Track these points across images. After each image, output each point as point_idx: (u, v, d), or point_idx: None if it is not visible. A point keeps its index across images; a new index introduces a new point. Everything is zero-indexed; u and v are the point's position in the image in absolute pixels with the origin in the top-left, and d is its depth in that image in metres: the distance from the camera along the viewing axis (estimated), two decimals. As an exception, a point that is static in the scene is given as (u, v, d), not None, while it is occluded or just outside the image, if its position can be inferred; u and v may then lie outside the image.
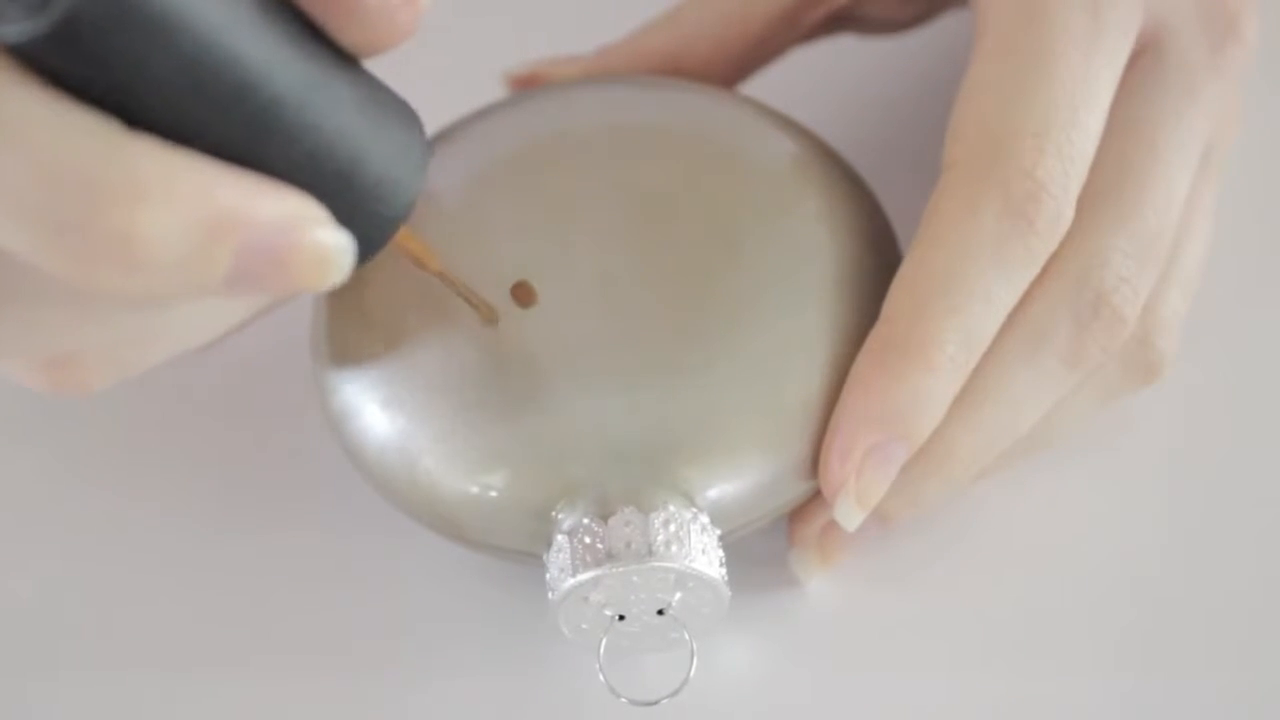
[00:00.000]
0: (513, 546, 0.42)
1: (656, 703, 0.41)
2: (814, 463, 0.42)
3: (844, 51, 0.53)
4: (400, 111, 0.36)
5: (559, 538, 0.40)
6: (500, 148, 0.44)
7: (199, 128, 0.31)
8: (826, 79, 0.54)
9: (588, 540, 0.40)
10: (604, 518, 0.40)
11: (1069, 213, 0.42)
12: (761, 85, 0.50)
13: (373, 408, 0.42)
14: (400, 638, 0.45)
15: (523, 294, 0.42)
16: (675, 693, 0.41)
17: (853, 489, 0.41)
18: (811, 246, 0.43)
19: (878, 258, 0.44)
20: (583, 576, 0.40)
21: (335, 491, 0.46)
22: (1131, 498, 0.47)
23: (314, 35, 0.34)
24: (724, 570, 0.41)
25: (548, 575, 0.41)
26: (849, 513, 0.41)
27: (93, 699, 0.44)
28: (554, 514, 0.41)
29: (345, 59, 0.34)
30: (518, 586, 0.45)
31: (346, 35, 0.34)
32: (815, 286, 0.42)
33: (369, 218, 0.35)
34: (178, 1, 0.31)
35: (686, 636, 0.41)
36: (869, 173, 0.46)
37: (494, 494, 0.41)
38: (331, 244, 0.33)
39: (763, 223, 0.43)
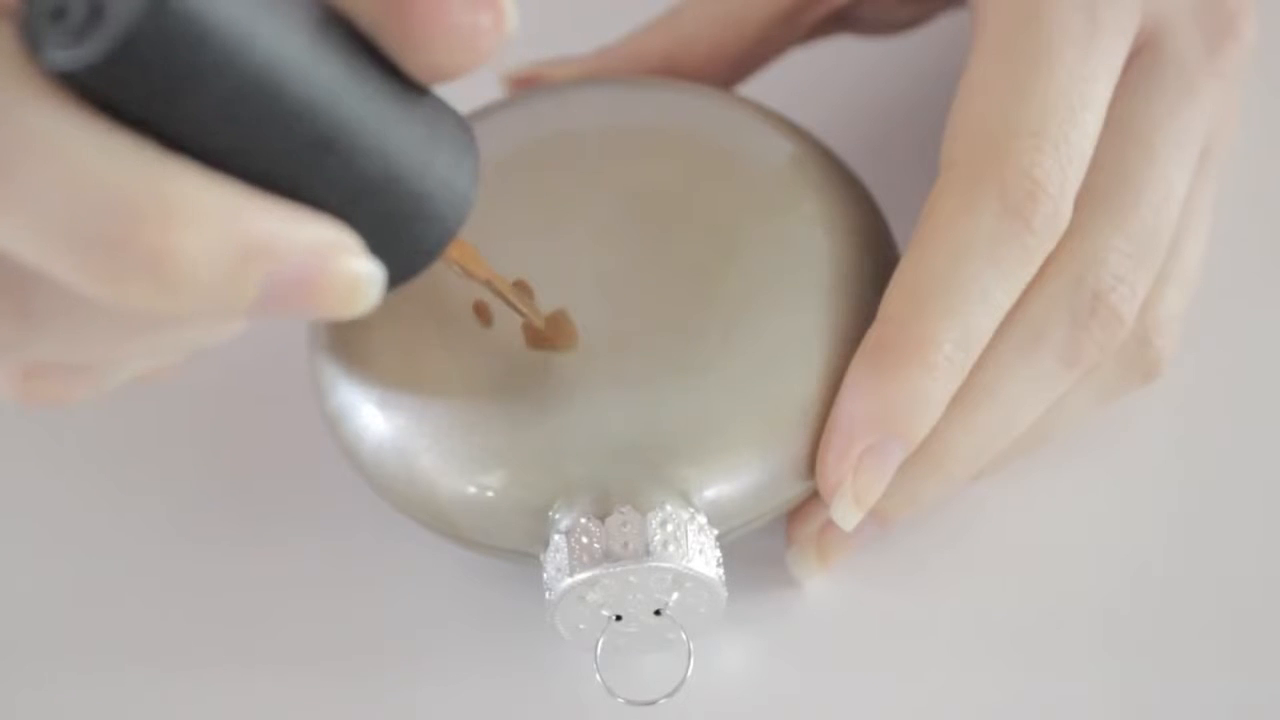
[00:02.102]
0: (510, 546, 0.42)
1: (654, 703, 0.41)
2: (811, 462, 0.42)
3: (842, 52, 0.53)
4: (454, 129, 0.35)
5: (556, 537, 0.40)
6: (498, 148, 0.44)
7: (240, 155, 0.31)
8: (824, 79, 0.54)
9: (585, 540, 0.40)
10: (601, 518, 0.40)
11: (1066, 212, 0.42)
12: (760, 86, 0.50)
13: (370, 407, 0.42)
14: (397, 637, 0.45)
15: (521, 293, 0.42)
16: (672, 693, 0.41)
17: (850, 489, 0.41)
18: (809, 247, 0.43)
19: (875, 258, 0.44)
20: (580, 576, 0.40)
21: (333, 491, 0.46)
22: (1131, 497, 0.47)
23: (371, 58, 0.33)
24: (721, 570, 0.41)
25: (545, 575, 0.41)
26: (846, 512, 0.41)
27: (91, 698, 0.44)
28: (551, 514, 0.41)
29: (403, 81, 0.33)
30: (515, 586, 0.45)
31: (419, 60, 0.33)
32: (812, 287, 0.42)
33: (417, 239, 0.35)
34: (224, 42, 0.30)
35: (684, 636, 0.41)
36: (866, 173, 0.46)
37: (491, 494, 0.41)
38: (361, 273, 0.32)
39: (760, 223, 0.43)
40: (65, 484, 0.48)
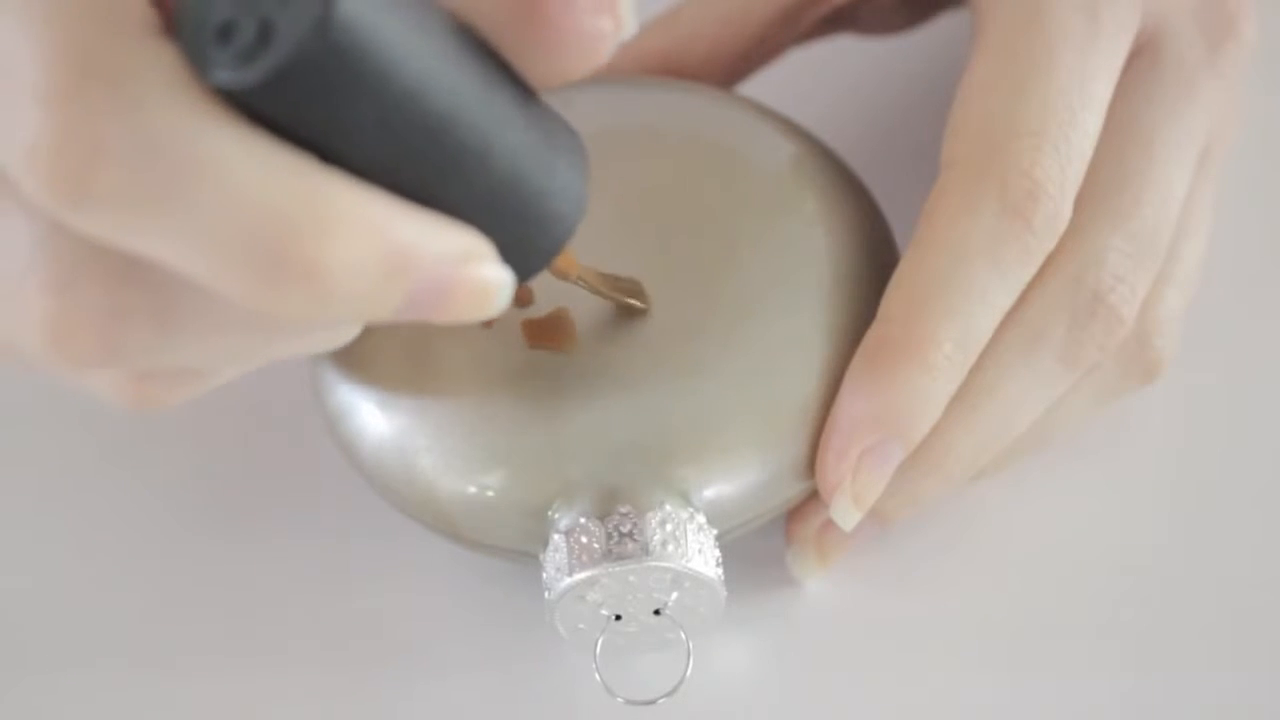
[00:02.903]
0: (509, 546, 0.42)
1: (653, 702, 0.41)
2: (811, 462, 0.42)
3: (842, 52, 0.53)
4: (569, 141, 0.35)
5: (555, 537, 0.40)
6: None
7: (389, 167, 0.32)
8: (824, 79, 0.54)
9: (584, 540, 0.40)
10: (601, 517, 0.40)
11: (1066, 212, 0.42)
12: (760, 85, 0.50)
13: (370, 407, 0.42)
14: (396, 637, 0.45)
15: (520, 294, 0.42)
16: (672, 692, 0.41)
17: (849, 489, 0.41)
18: (809, 247, 0.43)
19: (875, 258, 0.44)
20: (579, 576, 0.40)
21: (332, 490, 0.46)
22: (1131, 498, 0.47)
23: (500, 68, 0.33)
24: (720, 570, 0.41)
25: (544, 575, 0.41)
26: (846, 512, 0.41)
27: (91, 697, 0.44)
28: (550, 513, 0.41)
29: (525, 90, 0.34)
30: (514, 586, 0.45)
31: (542, 65, 0.34)
32: (812, 286, 0.42)
33: (533, 247, 0.35)
34: (383, 60, 0.31)
35: (683, 636, 0.41)
36: (866, 173, 0.46)
37: (491, 493, 0.41)
38: (493, 279, 0.33)
39: (760, 223, 0.43)
40: (65, 483, 0.48)
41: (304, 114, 0.31)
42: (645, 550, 0.39)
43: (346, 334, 0.37)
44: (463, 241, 0.33)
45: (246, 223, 0.31)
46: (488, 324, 0.42)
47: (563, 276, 0.40)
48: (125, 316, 0.33)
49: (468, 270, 0.33)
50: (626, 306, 0.41)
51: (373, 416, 0.42)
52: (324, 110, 0.31)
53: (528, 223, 0.34)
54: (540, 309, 0.42)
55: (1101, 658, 0.44)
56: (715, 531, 0.41)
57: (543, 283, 0.42)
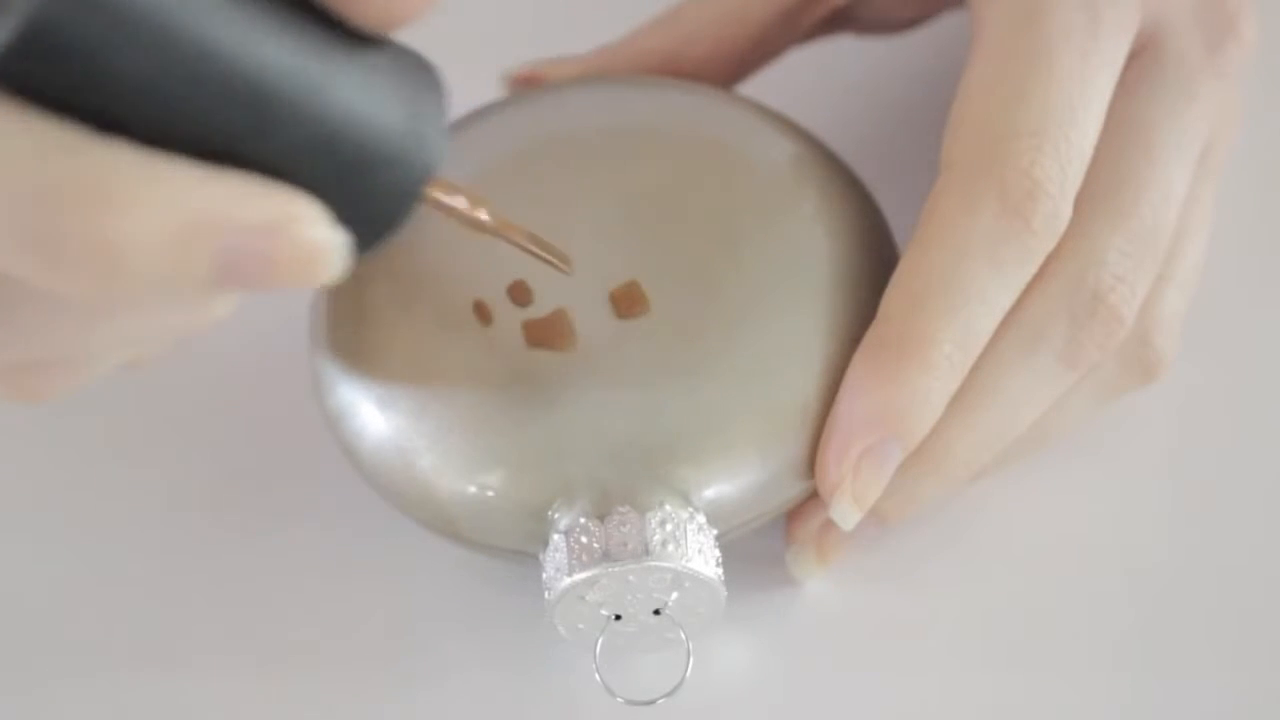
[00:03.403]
0: (509, 546, 0.42)
1: (653, 702, 0.41)
2: (811, 462, 0.42)
3: (842, 52, 0.53)
4: (414, 78, 0.34)
5: (555, 537, 0.40)
6: (498, 148, 0.45)
7: (180, 128, 0.30)
8: (825, 79, 0.54)
9: (584, 540, 0.40)
10: (600, 517, 0.40)
11: (1066, 212, 0.42)
12: (760, 85, 0.50)
13: (370, 406, 0.42)
14: (396, 637, 0.45)
15: (520, 294, 0.42)
16: (671, 692, 0.41)
17: (849, 489, 0.41)
18: (808, 246, 0.43)
19: (875, 257, 0.44)
20: (579, 576, 0.40)
21: (332, 490, 0.46)
22: (1131, 498, 0.47)
23: (299, 12, 0.32)
24: (720, 570, 0.41)
25: (544, 575, 0.41)
26: (846, 512, 0.41)
27: (90, 697, 0.45)
28: (550, 513, 0.41)
29: (348, 33, 0.32)
30: (514, 586, 0.45)
31: (354, 11, 0.32)
32: (812, 286, 0.42)
33: (387, 187, 0.33)
34: (141, 5, 0.29)
35: (683, 636, 0.41)
36: (867, 173, 0.46)
37: (491, 493, 0.41)
38: (321, 241, 0.32)
39: (760, 223, 0.43)
40: (65, 483, 0.48)
41: (66, 77, 0.29)
42: (645, 550, 0.40)
43: (211, 308, 0.35)
44: (277, 204, 0.31)
45: (22, 204, 0.29)
46: (486, 322, 0.42)
47: (479, 229, 0.38)
48: None
49: (288, 235, 0.31)
50: (548, 263, 0.40)
51: (373, 416, 0.42)
52: (86, 69, 0.29)
53: (363, 170, 0.33)
54: (540, 309, 0.42)
55: (1101, 657, 0.44)
56: (715, 531, 0.41)
57: (543, 283, 0.42)
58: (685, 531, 0.40)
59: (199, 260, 0.31)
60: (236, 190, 0.31)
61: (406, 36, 0.34)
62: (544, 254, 0.40)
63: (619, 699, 0.41)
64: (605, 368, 0.41)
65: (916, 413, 0.41)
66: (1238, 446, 0.48)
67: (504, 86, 0.49)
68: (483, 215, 0.37)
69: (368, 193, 0.33)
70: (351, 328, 0.43)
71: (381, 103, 0.33)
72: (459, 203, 0.37)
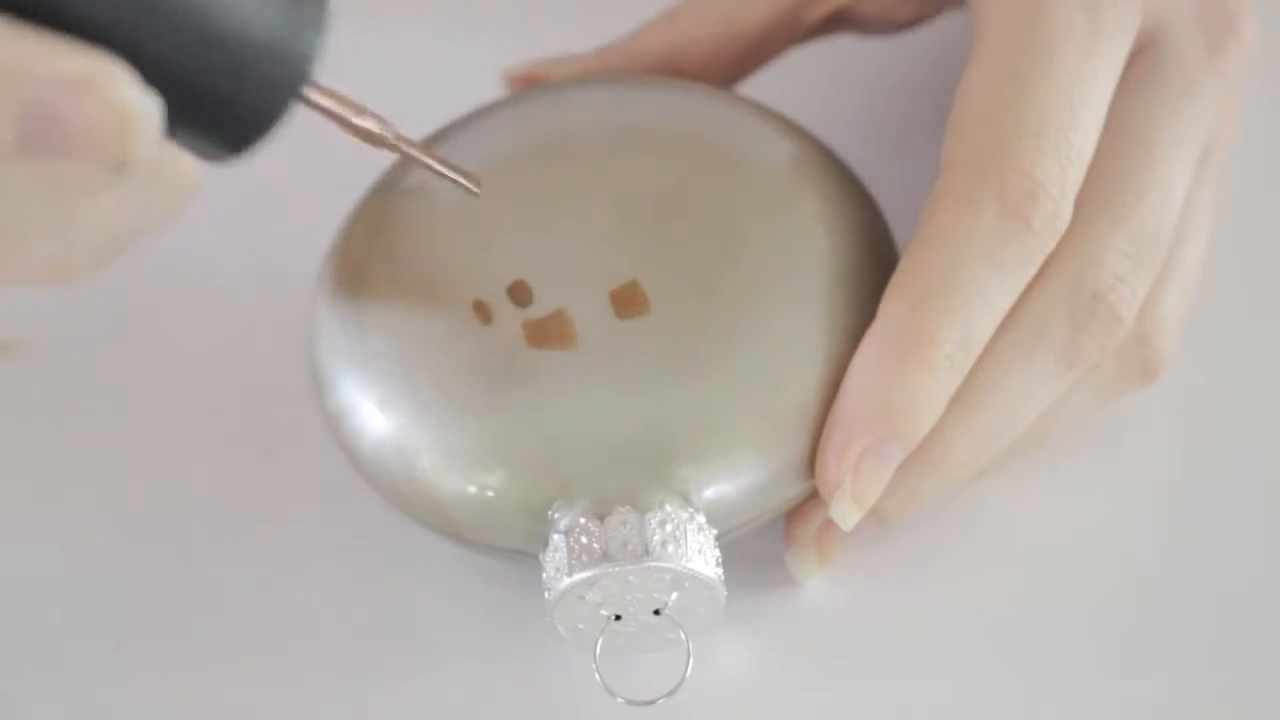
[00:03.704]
0: (509, 546, 0.42)
1: (653, 702, 0.41)
2: (811, 462, 0.42)
3: (843, 51, 0.53)
4: None
5: (555, 537, 0.40)
6: (498, 147, 0.45)
7: None
8: (824, 79, 0.54)
9: (584, 540, 0.40)
10: (600, 517, 0.40)
11: (1066, 212, 0.42)
12: (760, 85, 0.50)
13: (370, 406, 0.42)
14: (396, 636, 0.45)
15: (520, 293, 0.42)
16: (671, 692, 0.41)
17: (849, 488, 0.41)
18: (809, 246, 0.43)
19: (875, 257, 0.44)
20: (579, 576, 0.40)
21: (332, 490, 0.46)
22: (1131, 498, 0.47)
23: None
24: (720, 570, 0.41)
25: (544, 575, 0.41)
26: (846, 512, 0.41)
27: (91, 697, 0.44)
28: (550, 514, 0.41)
29: None
30: (514, 586, 0.45)
31: None
32: (812, 286, 0.42)
33: (258, 88, 0.33)
34: None
35: (683, 636, 0.41)
36: (867, 172, 0.46)
37: (491, 493, 0.41)
38: (131, 104, 0.31)
39: (760, 223, 0.43)
40: (64, 483, 0.48)
41: None
42: (645, 550, 0.40)
43: (159, 206, 0.35)
44: (86, 62, 0.31)
45: None
46: (486, 322, 0.42)
47: (360, 136, 0.38)
48: None
49: (96, 93, 0.30)
50: (455, 183, 0.40)
51: (373, 416, 0.42)
52: None
53: (245, 61, 0.32)
54: (540, 309, 0.42)
55: (1101, 656, 0.44)
56: (715, 531, 0.41)
57: (543, 283, 0.42)
58: (685, 532, 0.40)
59: (1, 116, 0.30)
60: (41, 46, 0.30)
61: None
62: (450, 173, 0.40)
63: (619, 699, 0.41)
64: (605, 368, 0.41)
65: (917, 412, 0.41)
66: (1238, 446, 0.48)
67: (504, 86, 0.49)
68: (370, 125, 0.37)
69: (241, 85, 0.33)
70: (351, 327, 0.43)
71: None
72: (338, 107, 0.36)
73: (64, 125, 0.31)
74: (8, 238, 0.34)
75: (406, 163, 0.40)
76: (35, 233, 0.35)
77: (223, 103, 0.33)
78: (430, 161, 0.40)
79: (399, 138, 0.38)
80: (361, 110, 0.37)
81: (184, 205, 0.37)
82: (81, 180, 0.34)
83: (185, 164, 0.36)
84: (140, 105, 0.31)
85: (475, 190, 0.41)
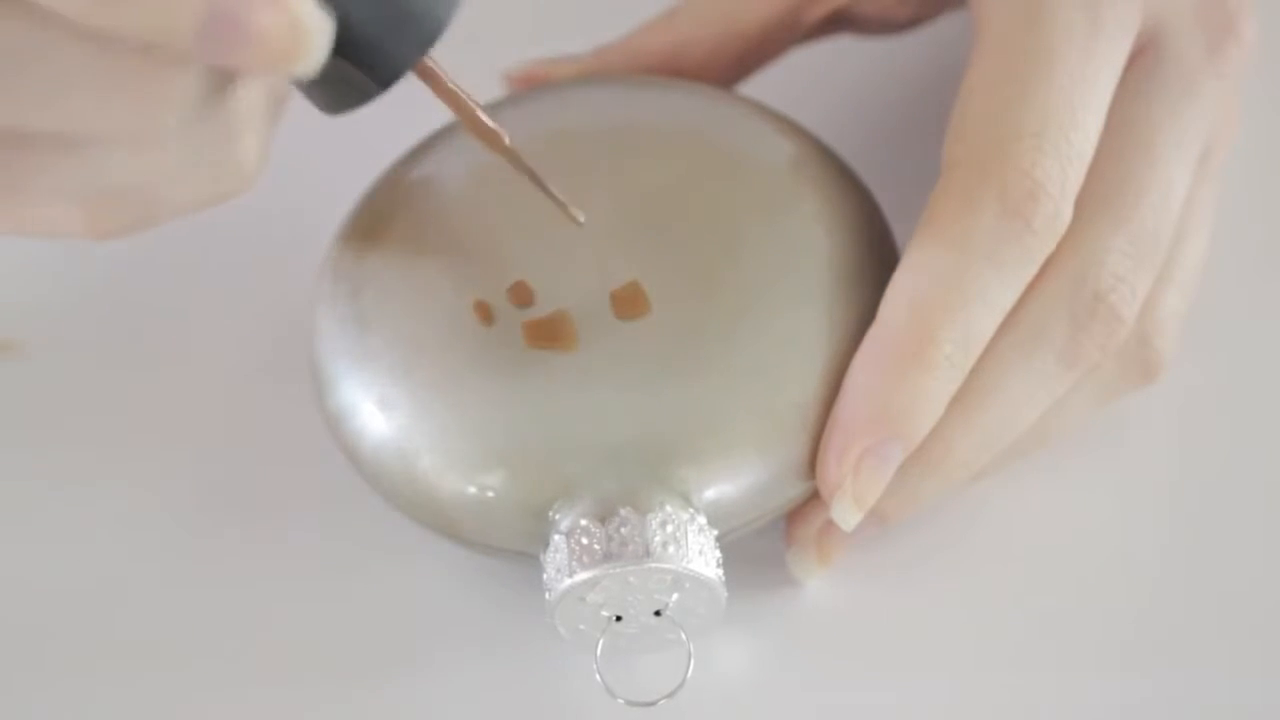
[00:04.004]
0: (510, 546, 0.42)
1: (654, 703, 0.41)
2: (811, 463, 0.42)
3: (843, 51, 0.53)
4: None
5: (556, 538, 0.40)
6: (498, 147, 0.45)
7: None
8: (826, 79, 0.54)
9: (585, 541, 0.40)
10: (601, 518, 0.40)
11: (1067, 213, 0.42)
12: (761, 85, 0.50)
13: (370, 407, 0.42)
14: (396, 637, 0.45)
15: (520, 294, 0.42)
16: (672, 693, 0.41)
17: (850, 489, 0.41)
18: (809, 246, 0.43)
19: (875, 258, 0.44)
20: (580, 577, 0.40)
21: (332, 491, 0.46)
22: (1131, 498, 0.47)
23: None
24: (721, 571, 0.41)
25: (545, 576, 0.41)
26: (846, 513, 0.41)
27: (90, 698, 0.44)
28: (551, 514, 0.41)
29: None
30: (515, 586, 0.45)
31: None
32: (813, 287, 0.42)
33: (396, 33, 0.35)
34: None
35: (683, 637, 0.41)
36: (867, 173, 0.46)
37: (491, 494, 0.41)
38: (307, 19, 0.32)
39: (760, 223, 0.43)
40: (64, 483, 0.48)
41: None
42: (646, 552, 0.39)
43: (243, 167, 0.37)
44: None
45: None
46: (487, 323, 0.42)
47: (486, 140, 0.40)
48: None
49: (275, 3, 0.32)
50: (563, 209, 0.41)
51: (373, 417, 0.42)
52: None
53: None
54: (541, 309, 0.42)
55: (1101, 657, 0.44)
56: (716, 532, 0.41)
57: (543, 283, 0.42)
58: (686, 533, 0.40)
59: (185, 5, 0.31)
60: None
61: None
62: (557, 198, 0.41)
63: (619, 700, 0.41)
64: (606, 368, 0.41)
65: (917, 413, 0.41)
66: (1238, 446, 0.48)
67: (504, 86, 0.49)
68: (497, 125, 0.40)
69: (384, 28, 0.35)
70: (351, 327, 0.43)
71: None
72: (466, 96, 0.39)
73: (243, 28, 0.32)
74: (168, 182, 0.37)
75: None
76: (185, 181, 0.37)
77: (378, 39, 0.35)
78: (541, 182, 0.41)
79: (515, 148, 0.40)
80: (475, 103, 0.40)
81: (228, 192, 0.39)
82: (160, 116, 0.35)
83: (249, 150, 0.38)
84: (317, 21, 0.32)
85: (579, 220, 0.41)
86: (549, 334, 0.41)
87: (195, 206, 0.39)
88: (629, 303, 0.42)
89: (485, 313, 0.42)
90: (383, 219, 0.44)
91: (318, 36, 0.33)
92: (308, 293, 0.45)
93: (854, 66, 0.55)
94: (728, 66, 0.49)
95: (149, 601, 0.46)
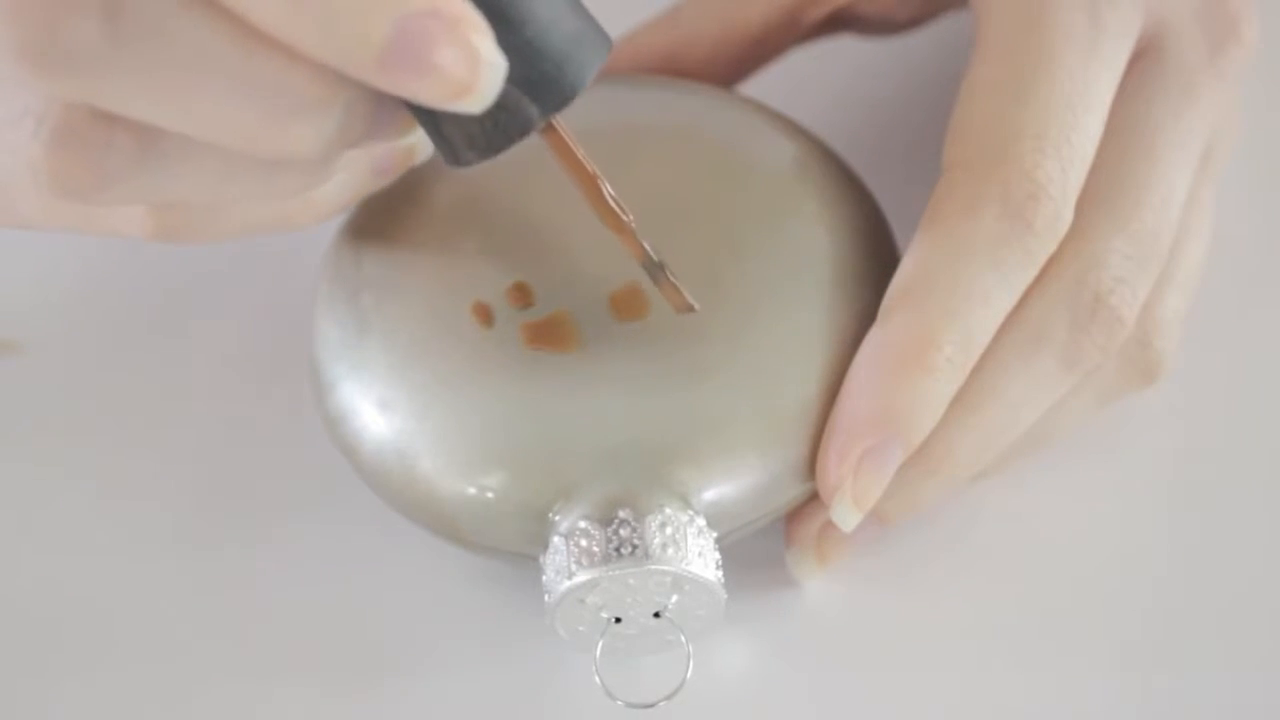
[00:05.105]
0: (509, 548, 0.42)
1: (653, 705, 0.41)
2: (811, 464, 0.42)
3: (844, 52, 0.53)
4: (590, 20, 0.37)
5: (555, 540, 0.40)
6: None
7: None
8: (826, 79, 0.54)
9: (584, 543, 0.40)
10: (601, 520, 0.40)
11: (1068, 214, 0.42)
12: (761, 85, 0.50)
13: (370, 409, 0.42)
14: (396, 639, 0.45)
15: (520, 296, 0.42)
16: (672, 695, 0.41)
17: (849, 490, 0.41)
18: (809, 247, 0.43)
19: (876, 258, 0.44)
20: (579, 579, 0.40)
21: (332, 492, 0.46)
22: (1131, 498, 0.47)
23: None
24: (720, 572, 0.41)
25: (544, 577, 0.41)
26: (846, 514, 0.41)
27: (90, 698, 0.44)
28: (551, 516, 0.41)
29: None
30: (514, 588, 0.45)
31: None
32: (813, 287, 0.42)
33: (543, 83, 0.36)
34: None
35: (683, 639, 0.41)
36: (868, 173, 0.46)
37: (491, 495, 0.41)
38: (484, 54, 0.33)
39: (761, 224, 0.43)
40: (64, 484, 0.48)
41: None
42: (645, 554, 0.40)
43: (319, 172, 0.37)
44: (462, 7, 0.33)
45: None
46: (487, 323, 0.42)
47: (605, 216, 0.39)
48: (111, 149, 0.34)
49: (462, 32, 0.33)
50: (681, 302, 0.41)
51: (373, 419, 0.42)
52: None
53: (547, 51, 0.35)
54: (540, 311, 0.42)
55: (1101, 657, 0.44)
56: (715, 534, 0.41)
57: (543, 285, 0.42)
58: (685, 534, 0.40)
59: (380, 20, 0.32)
60: None
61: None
62: (676, 284, 0.41)
63: (619, 702, 0.41)
64: (605, 370, 0.41)
65: (917, 414, 0.41)
66: (1238, 446, 0.48)
67: (504, 86, 0.49)
68: (598, 177, 0.39)
69: (533, 76, 0.35)
70: (351, 331, 0.43)
71: (575, 13, 0.36)
72: (588, 161, 0.39)
73: (426, 53, 0.32)
74: (248, 197, 0.37)
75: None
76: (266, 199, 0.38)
77: (545, 81, 0.36)
78: (664, 272, 0.41)
79: (635, 228, 0.40)
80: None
81: (294, 226, 0.41)
82: (294, 146, 0.35)
83: (331, 193, 0.41)
84: (492, 58, 0.33)
85: (695, 307, 0.41)
86: (549, 336, 0.41)
87: (257, 232, 0.39)
88: (628, 304, 0.42)
89: (485, 314, 0.42)
90: (382, 221, 0.44)
91: (496, 74, 0.33)
92: (308, 293, 0.45)
93: (854, 66, 0.54)
94: (728, 66, 0.49)
95: (148, 601, 0.46)
